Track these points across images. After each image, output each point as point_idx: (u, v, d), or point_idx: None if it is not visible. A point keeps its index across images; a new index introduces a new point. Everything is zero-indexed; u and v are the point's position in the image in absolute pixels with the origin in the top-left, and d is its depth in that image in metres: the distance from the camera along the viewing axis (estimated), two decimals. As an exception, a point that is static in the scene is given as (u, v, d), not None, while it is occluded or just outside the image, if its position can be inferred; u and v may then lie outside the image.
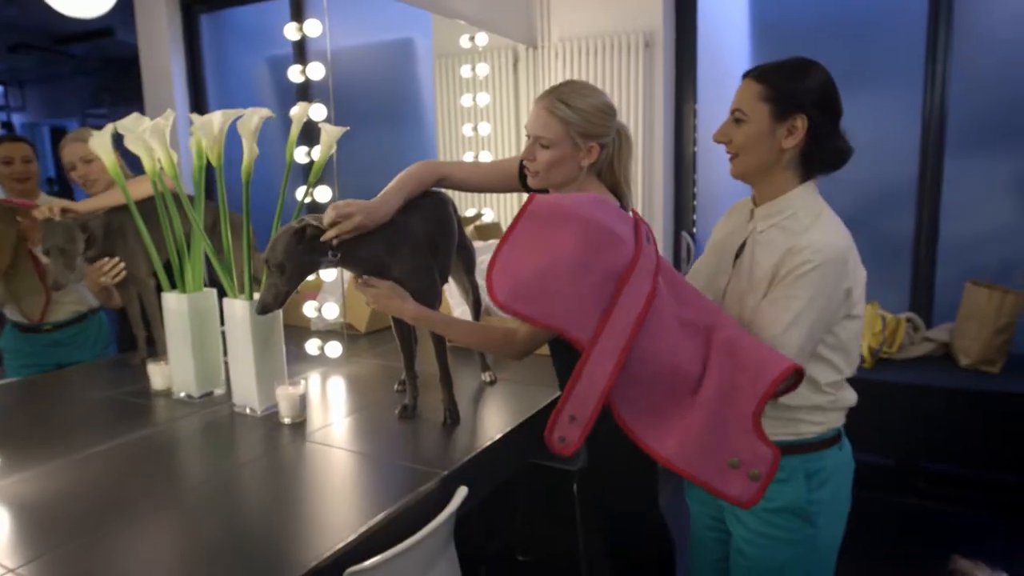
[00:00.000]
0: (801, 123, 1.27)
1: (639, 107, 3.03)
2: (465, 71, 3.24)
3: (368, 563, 1.12)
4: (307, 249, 1.48)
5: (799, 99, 1.27)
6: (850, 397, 1.37)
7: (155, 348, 2.15)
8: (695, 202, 3.30)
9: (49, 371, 2.31)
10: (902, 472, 3.00)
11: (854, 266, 1.28)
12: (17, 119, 8.90)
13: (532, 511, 2.29)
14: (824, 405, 1.33)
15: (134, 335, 2.20)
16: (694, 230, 3.32)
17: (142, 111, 1.78)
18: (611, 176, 1.60)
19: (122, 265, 2.07)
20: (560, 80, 3.10)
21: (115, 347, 2.66)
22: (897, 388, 2.56)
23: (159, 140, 1.67)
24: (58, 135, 9.19)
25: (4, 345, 2.47)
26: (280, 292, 1.50)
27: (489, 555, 2.30)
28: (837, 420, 1.36)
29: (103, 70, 8.47)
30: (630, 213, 1.38)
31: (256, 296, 1.74)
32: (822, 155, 1.31)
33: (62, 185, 8.26)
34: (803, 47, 3.00)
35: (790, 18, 3.11)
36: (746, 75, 1.32)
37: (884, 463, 3.05)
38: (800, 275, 1.23)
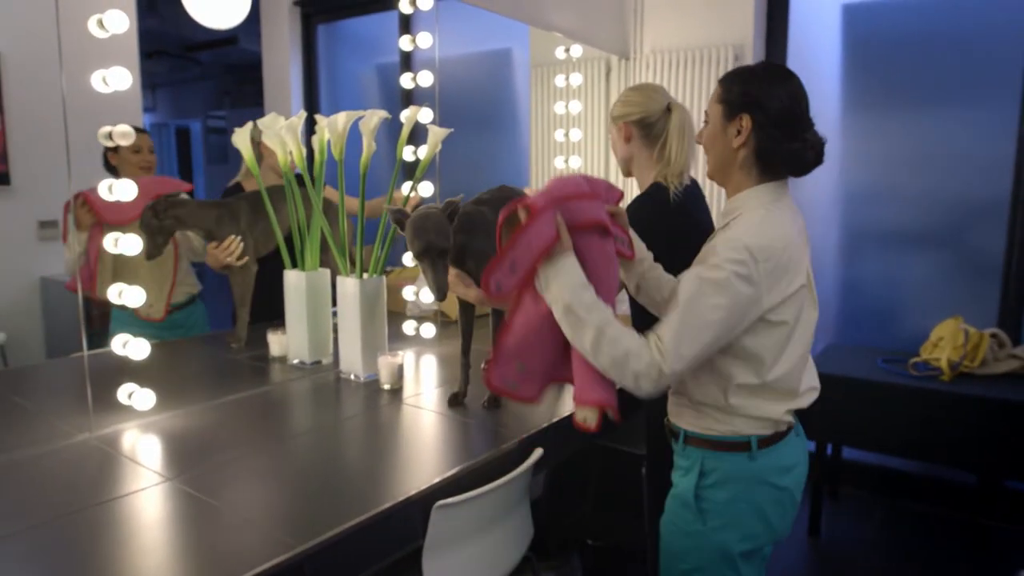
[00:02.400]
0: (746, 123, 1.30)
1: (726, 118, 3.12)
2: (559, 80, 3.42)
3: (455, 499, 1.30)
4: (450, 228, 1.56)
5: (745, 99, 1.30)
6: (769, 409, 1.32)
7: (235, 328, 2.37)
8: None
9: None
10: (983, 491, 2.95)
11: (780, 272, 1.24)
12: (147, 119, 9.74)
13: (602, 497, 2.42)
14: (727, 408, 1.32)
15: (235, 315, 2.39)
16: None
17: (259, 114, 2.05)
18: (661, 153, 1.85)
19: (242, 247, 2.26)
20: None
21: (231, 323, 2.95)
22: (978, 403, 2.55)
23: (292, 136, 1.93)
24: (182, 134, 9.98)
25: (120, 329, 2.30)
26: (445, 271, 1.57)
27: (560, 537, 2.44)
28: (748, 427, 1.33)
29: (225, 76, 9.16)
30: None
31: (366, 276, 1.97)
32: (776, 157, 1.31)
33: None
34: (897, 61, 3.06)
35: (884, 32, 3.13)
36: (719, 80, 1.39)
37: (964, 480, 3.01)
38: (706, 277, 1.23)
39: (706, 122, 1.39)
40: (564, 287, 1.23)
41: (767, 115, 1.29)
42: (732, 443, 1.34)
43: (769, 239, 1.24)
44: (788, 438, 1.38)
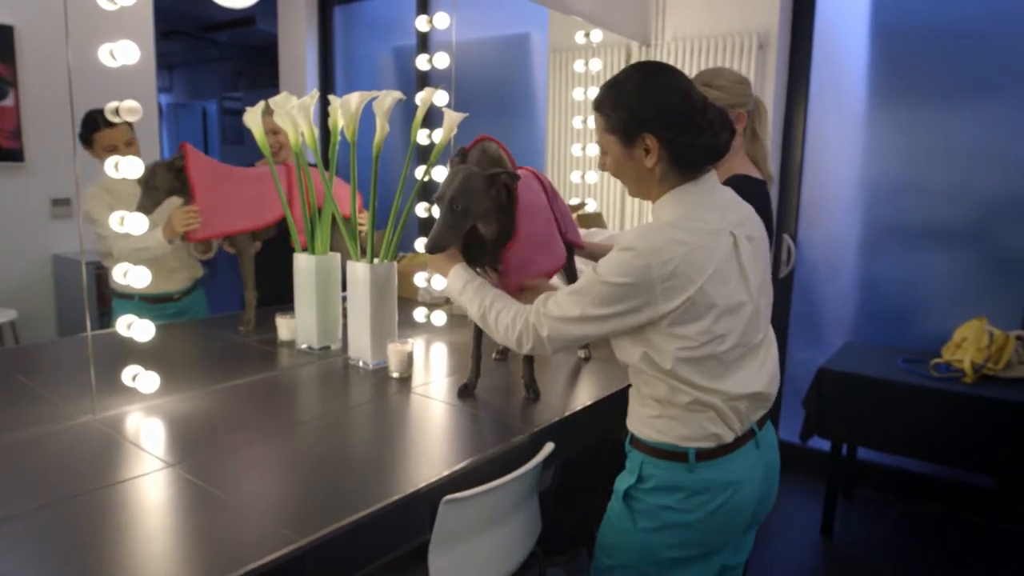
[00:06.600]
0: (651, 141, 1.25)
1: (748, 107, 3.05)
2: (578, 66, 3.35)
3: (463, 493, 1.26)
4: (491, 196, 1.52)
5: (637, 120, 1.24)
6: (693, 428, 1.27)
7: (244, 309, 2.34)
8: (799, 206, 3.28)
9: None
10: (1002, 495, 2.89)
11: (669, 276, 1.19)
12: (164, 99, 9.71)
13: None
14: (653, 416, 1.31)
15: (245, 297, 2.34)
16: (796, 234, 3.30)
17: (274, 95, 1.99)
18: (753, 142, 1.80)
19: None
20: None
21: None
22: (1001, 406, 2.48)
23: (304, 116, 1.89)
24: (200, 115, 9.94)
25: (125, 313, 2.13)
26: (455, 232, 1.49)
27: (569, 531, 2.41)
28: (681, 440, 1.28)
29: (241, 57, 9.11)
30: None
31: (377, 261, 1.93)
32: (690, 157, 1.26)
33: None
34: (925, 51, 2.97)
35: (913, 20, 3.04)
36: (594, 106, 1.32)
37: (982, 483, 2.95)
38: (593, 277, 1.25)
39: (604, 152, 1.33)
40: (453, 289, 1.51)
41: (665, 124, 1.24)
42: (667, 452, 1.30)
43: (664, 240, 1.21)
44: (736, 452, 1.31)
